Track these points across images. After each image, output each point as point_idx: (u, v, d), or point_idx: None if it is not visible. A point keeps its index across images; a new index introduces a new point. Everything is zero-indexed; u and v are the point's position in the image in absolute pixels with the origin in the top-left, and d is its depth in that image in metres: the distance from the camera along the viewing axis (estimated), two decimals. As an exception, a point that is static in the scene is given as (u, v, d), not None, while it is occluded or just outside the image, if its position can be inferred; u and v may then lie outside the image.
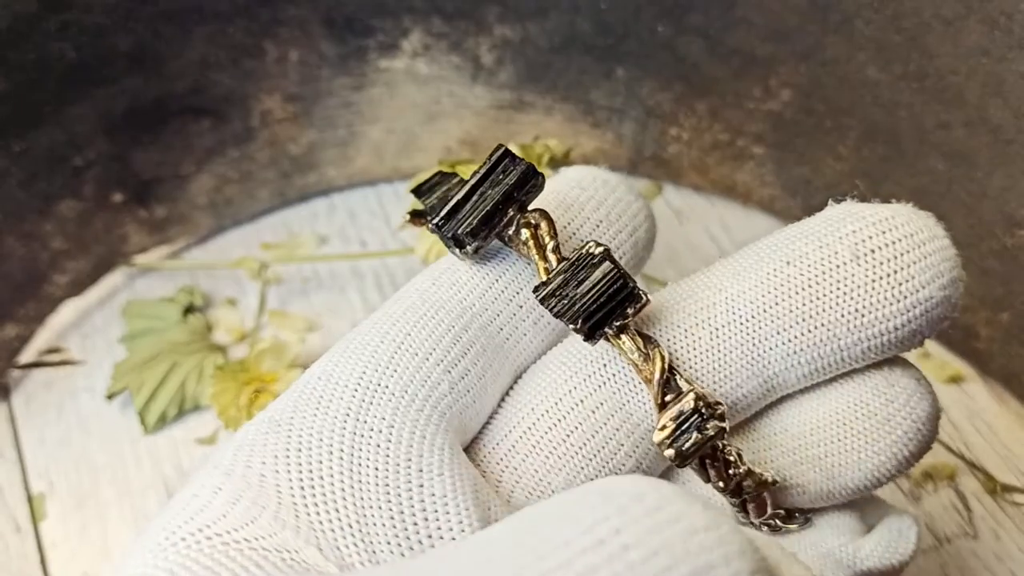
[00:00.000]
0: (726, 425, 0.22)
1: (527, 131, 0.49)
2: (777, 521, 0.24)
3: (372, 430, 0.21)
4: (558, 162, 0.42)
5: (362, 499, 0.21)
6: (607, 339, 0.23)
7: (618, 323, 0.22)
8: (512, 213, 0.23)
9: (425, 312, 0.23)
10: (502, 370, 0.24)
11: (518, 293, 0.24)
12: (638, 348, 0.23)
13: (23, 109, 0.41)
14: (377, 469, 0.21)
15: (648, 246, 0.26)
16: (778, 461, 0.24)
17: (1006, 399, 0.43)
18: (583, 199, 0.25)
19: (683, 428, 0.22)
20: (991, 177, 0.40)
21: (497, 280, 0.24)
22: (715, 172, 0.49)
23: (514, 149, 0.41)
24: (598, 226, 0.25)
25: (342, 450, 0.21)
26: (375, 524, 0.21)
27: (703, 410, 0.22)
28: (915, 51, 0.40)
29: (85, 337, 0.45)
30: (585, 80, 0.48)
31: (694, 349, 0.23)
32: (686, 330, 0.23)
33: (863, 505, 0.26)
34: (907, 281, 0.22)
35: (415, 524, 0.21)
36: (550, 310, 0.22)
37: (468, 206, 0.23)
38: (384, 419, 0.21)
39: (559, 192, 0.25)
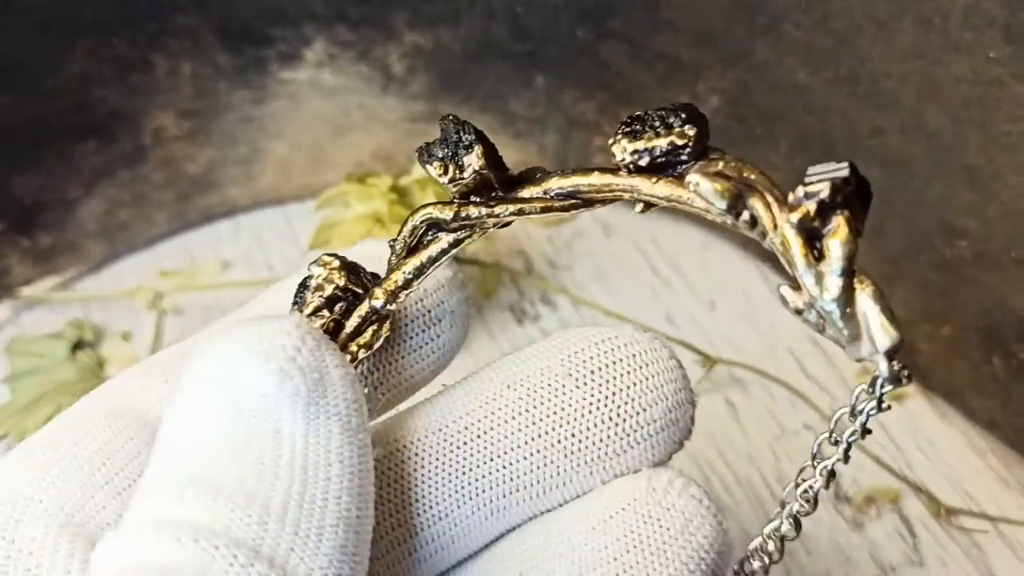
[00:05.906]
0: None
1: (443, 144, 0.47)
2: None
3: (22, 552, 0.19)
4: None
5: None
6: None
7: None
8: None
9: (102, 419, 0.21)
10: None
11: None
12: None
13: None
14: None
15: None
16: None
17: (949, 416, 0.42)
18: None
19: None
20: (928, 185, 0.39)
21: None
22: (643, 183, 0.48)
23: (418, 173, 0.39)
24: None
25: None
26: None
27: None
28: (846, 54, 0.40)
29: (-35, 379, 0.42)
30: (503, 89, 0.47)
31: (401, 479, 0.22)
32: (395, 453, 0.22)
33: None
34: (626, 403, 0.21)
35: None
36: None
37: None
38: (35, 540, 0.19)
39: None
